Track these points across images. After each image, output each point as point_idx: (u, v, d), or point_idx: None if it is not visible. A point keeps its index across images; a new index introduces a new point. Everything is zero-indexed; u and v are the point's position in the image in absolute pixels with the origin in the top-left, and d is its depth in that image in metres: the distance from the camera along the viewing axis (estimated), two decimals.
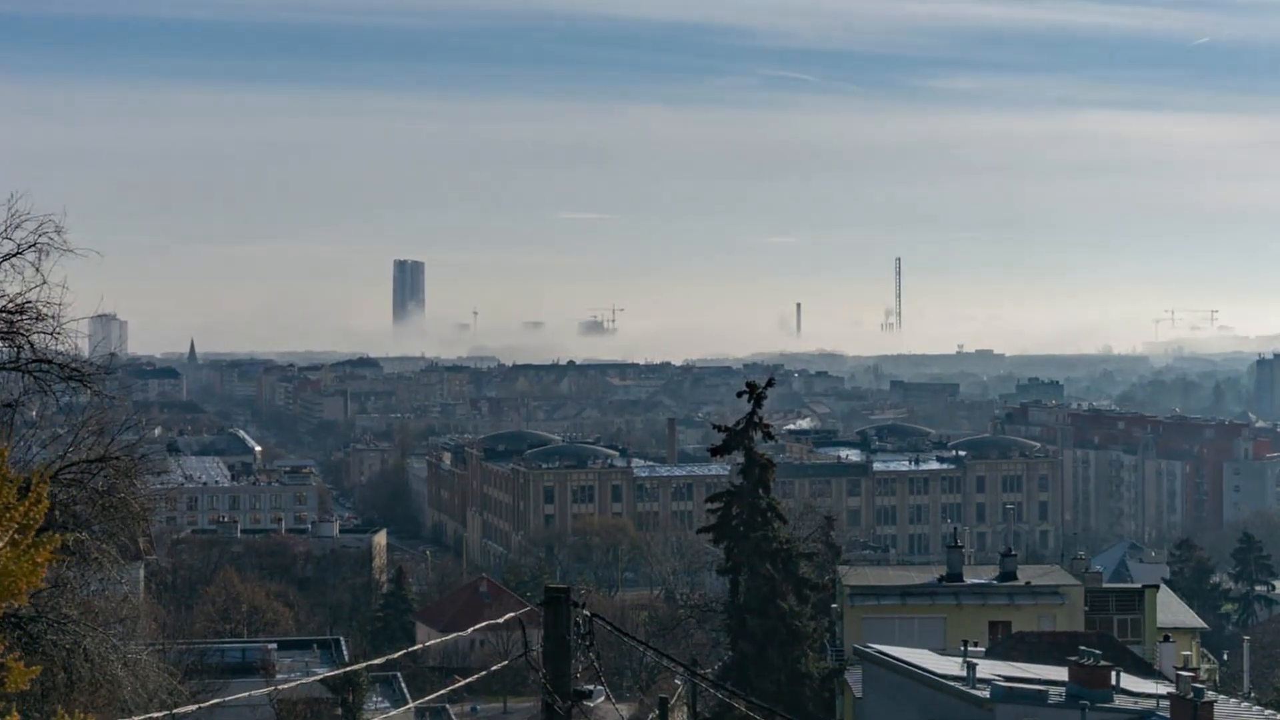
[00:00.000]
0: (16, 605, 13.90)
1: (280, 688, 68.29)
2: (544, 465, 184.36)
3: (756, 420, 62.71)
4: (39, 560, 12.62)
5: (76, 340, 32.15)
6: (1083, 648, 43.61)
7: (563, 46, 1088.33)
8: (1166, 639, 57.19)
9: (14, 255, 30.59)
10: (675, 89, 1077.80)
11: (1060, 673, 42.51)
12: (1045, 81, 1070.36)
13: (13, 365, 31.24)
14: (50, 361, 31.39)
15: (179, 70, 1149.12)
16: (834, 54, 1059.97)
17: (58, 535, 13.77)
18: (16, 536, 12.51)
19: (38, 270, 30.46)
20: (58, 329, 30.93)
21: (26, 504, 12.62)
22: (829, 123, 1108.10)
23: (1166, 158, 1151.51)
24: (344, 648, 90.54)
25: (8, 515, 12.43)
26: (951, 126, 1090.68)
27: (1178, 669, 44.87)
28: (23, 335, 30.85)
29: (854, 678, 54.08)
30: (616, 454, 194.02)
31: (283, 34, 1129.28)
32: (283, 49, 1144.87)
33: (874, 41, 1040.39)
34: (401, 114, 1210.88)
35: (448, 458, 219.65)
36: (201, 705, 32.07)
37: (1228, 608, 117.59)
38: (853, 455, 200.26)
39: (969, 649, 47.46)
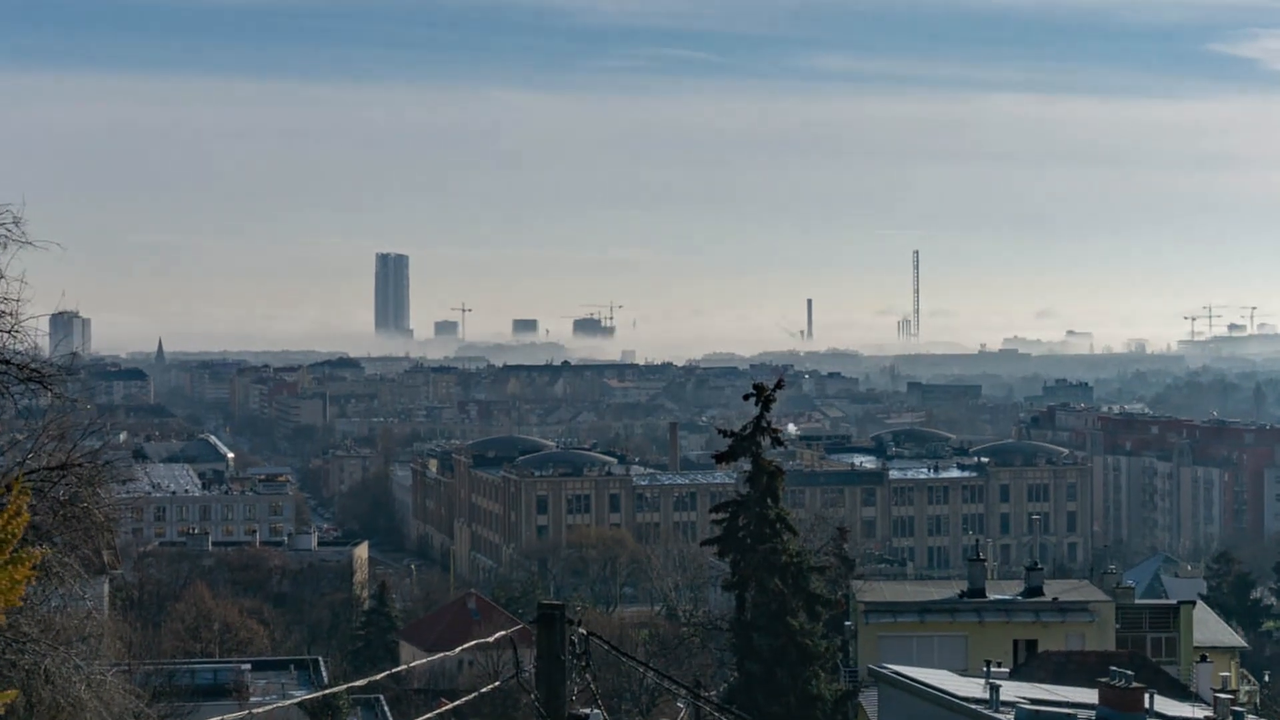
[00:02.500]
0: None
1: (254, 711, 68.06)
2: (537, 473, 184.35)
3: (764, 424, 62.72)
4: (18, 577, 12.56)
5: (36, 339, 32.10)
6: (1114, 668, 43.57)
7: (530, 37, 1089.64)
8: (1203, 659, 57.20)
9: None
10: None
11: (1090, 695, 42.48)
12: (1045, 65, 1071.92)
13: None
14: (8, 362, 31.35)
15: (146, 55, 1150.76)
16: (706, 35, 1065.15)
17: (36, 550, 13.73)
18: None
19: None
20: (15, 327, 30.91)
21: (4, 516, 12.55)
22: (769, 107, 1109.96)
23: (1198, 146, 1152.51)
24: (323, 668, 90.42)
25: None
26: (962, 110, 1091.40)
27: (1215, 691, 44.88)
28: None
29: (869, 700, 54.06)
30: (614, 461, 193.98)
31: (255, 18, 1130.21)
32: (256, 33, 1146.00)
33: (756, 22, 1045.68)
34: (385, 101, 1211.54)
35: (434, 465, 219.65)
36: None
37: (1269, 625, 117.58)
38: (867, 462, 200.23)
39: (992, 670, 47.41)
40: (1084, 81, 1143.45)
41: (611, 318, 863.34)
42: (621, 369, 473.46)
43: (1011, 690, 43.81)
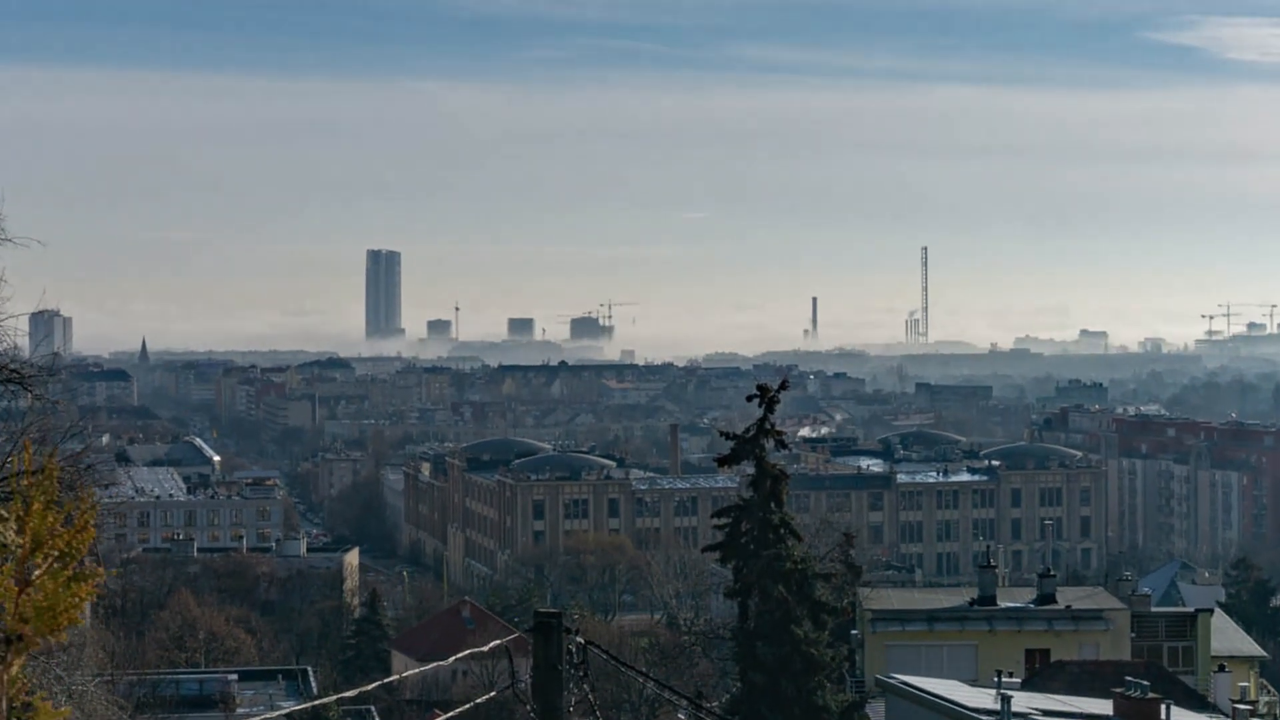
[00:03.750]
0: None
1: None
2: (533, 477, 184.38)
3: (768, 427, 62.72)
4: (82, 595, 12.44)
5: (15, 339, 32.09)
6: (1129, 678, 43.60)
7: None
8: (1222, 669, 57.17)
9: None
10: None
11: (1104, 706, 42.50)
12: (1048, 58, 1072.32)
13: None
14: None
15: (134, 51, 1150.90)
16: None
17: (100, 569, 13.60)
18: (56, 566, 12.34)
19: None
20: None
21: (72, 530, 12.43)
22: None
23: (1225, 138, 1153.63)
24: (312, 679, 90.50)
25: (51, 541, 12.27)
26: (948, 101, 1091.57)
27: (1234, 702, 44.93)
28: None
29: (876, 712, 54.08)
30: (613, 464, 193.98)
31: (239, 11, 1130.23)
32: (242, 27, 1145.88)
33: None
34: (374, 94, 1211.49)
35: (426, 468, 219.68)
36: None
37: None
38: (875, 465, 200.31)
39: (1003, 680, 47.42)
40: (1090, 76, 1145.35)
41: (610, 316, 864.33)
42: (620, 369, 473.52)
43: (1023, 701, 43.81)
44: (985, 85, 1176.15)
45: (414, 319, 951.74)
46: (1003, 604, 64.23)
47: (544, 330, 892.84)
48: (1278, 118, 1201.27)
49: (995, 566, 69.70)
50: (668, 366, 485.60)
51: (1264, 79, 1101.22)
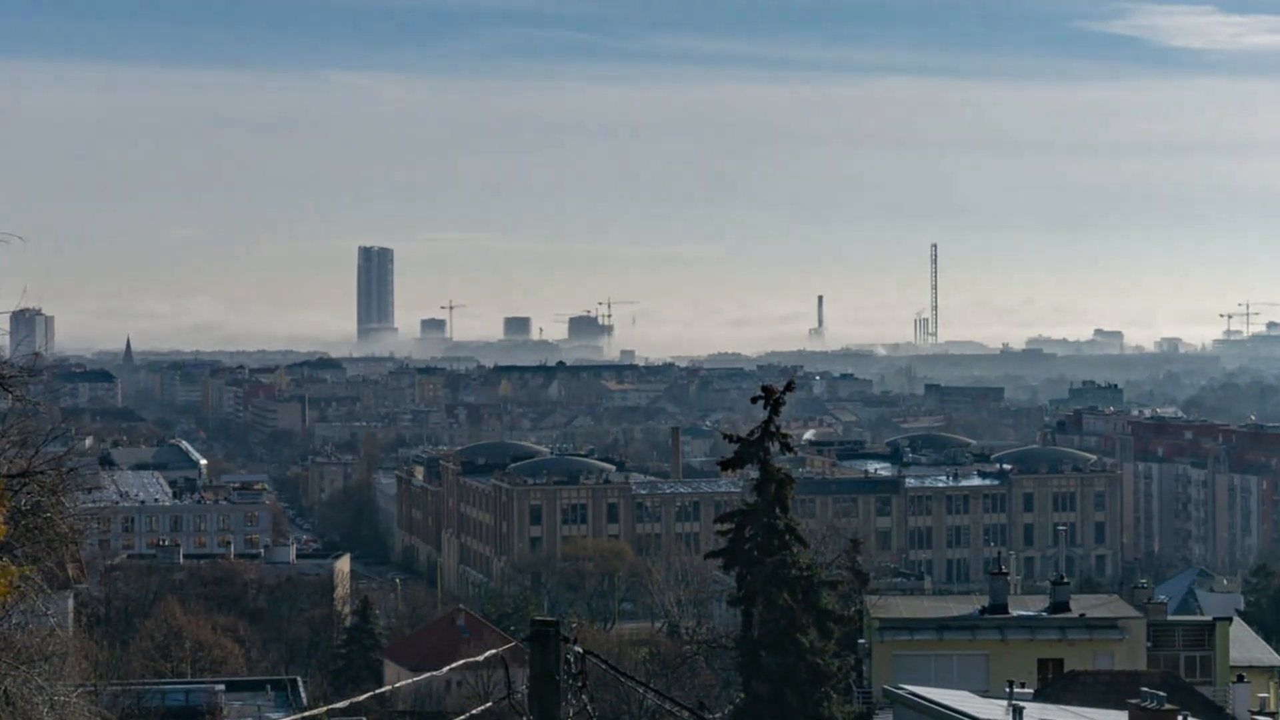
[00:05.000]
0: None
1: None
2: (530, 481, 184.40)
3: (773, 429, 62.76)
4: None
5: None
6: (1145, 689, 43.61)
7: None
8: (1240, 679, 57.17)
9: None
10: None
11: (1119, 718, 42.53)
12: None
13: None
14: None
15: (107, 43, 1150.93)
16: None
17: (13, 566, 13.62)
18: None
19: None
20: None
21: None
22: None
23: (1245, 133, 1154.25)
24: (301, 689, 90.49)
25: None
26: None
27: (1253, 713, 44.92)
28: None
29: None
30: (613, 468, 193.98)
31: (225, 4, 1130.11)
32: (229, 21, 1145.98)
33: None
34: (364, 87, 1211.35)
35: (420, 472, 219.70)
36: None
37: None
38: (882, 469, 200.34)
39: (1015, 691, 47.46)
40: (1096, 70, 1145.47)
41: (609, 316, 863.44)
42: (620, 370, 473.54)
43: (1035, 713, 43.83)
44: (987, 80, 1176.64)
45: (407, 318, 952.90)
46: (1014, 612, 64.28)
47: (541, 330, 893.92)
48: None
49: (1007, 573, 69.76)
50: (669, 367, 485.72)
51: (1266, 71, 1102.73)
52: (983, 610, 64.55)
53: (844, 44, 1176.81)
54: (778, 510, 62.10)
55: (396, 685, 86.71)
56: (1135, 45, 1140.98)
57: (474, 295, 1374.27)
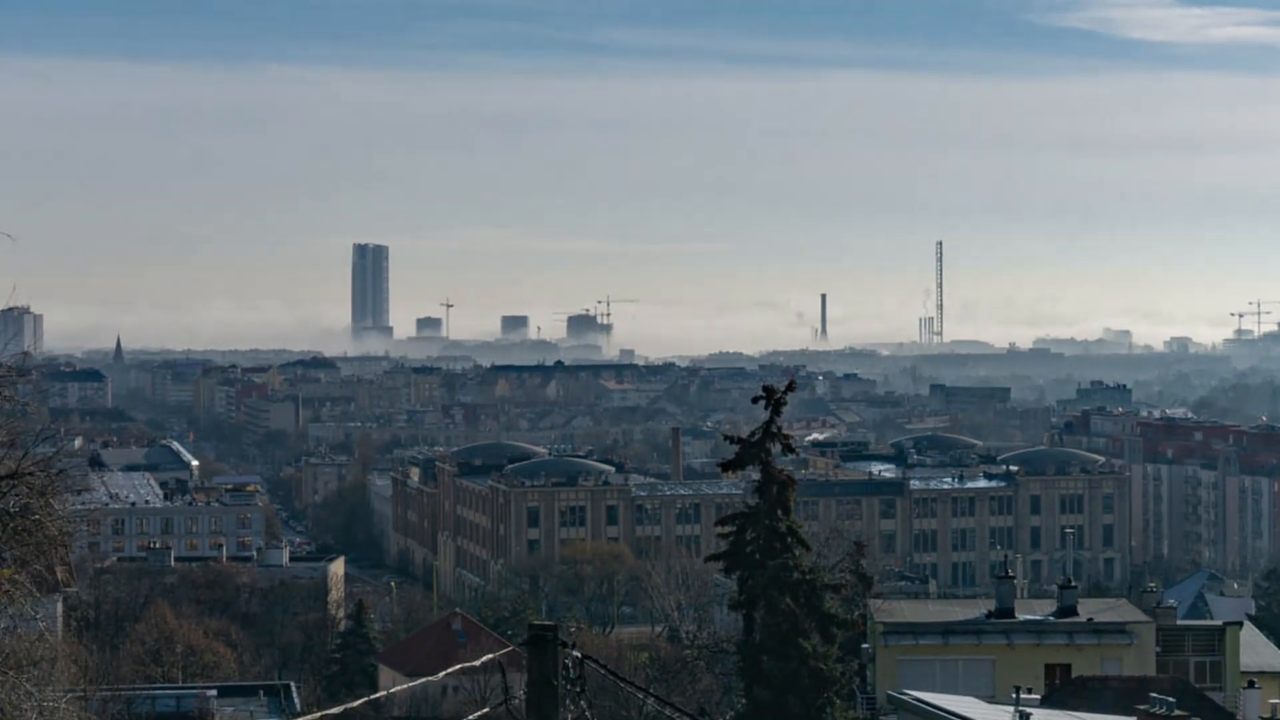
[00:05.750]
0: None
1: None
2: (527, 482, 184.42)
3: (775, 430, 62.78)
4: None
5: None
6: (1154, 695, 43.64)
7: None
8: (1251, 684, 57.17)
9: None
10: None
11: None
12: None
13: None
14: None
15: (94, 38, 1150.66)
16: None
17: (0, 569, 13.66)
18: None
19: None
20: None
21: None
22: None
23: (1255, 128, 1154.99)
24: (295, 695, 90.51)
25: None
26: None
27: (1264, 719, 44.93)
28: None
29: None
30: (612, 469, 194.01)
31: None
32: (215, 16, 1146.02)
33: None
34: (367, 82, 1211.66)
35: (415, 474, 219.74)
36: None
37: None
38: (886, 471, 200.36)
39: (1022, 696, 47.45)
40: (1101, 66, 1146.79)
41: (609, 314, 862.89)
42: (619, 370, 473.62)
43: (1042, 719, 43.84)
44: (993, 76, 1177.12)
45: (402, 316, 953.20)
46: (1021, 616, 64.28)
47: (539, 328, 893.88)
48: None
49: (1013, 577, 69.77)
50: (669, 367, 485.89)
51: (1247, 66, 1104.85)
52: (989, 614, 64.55)
53: (845, 41, 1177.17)
54: (780, 513, 62.12)
55: (391, 691, 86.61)
56: (1092, 38, 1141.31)
57: (471, 293, 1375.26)
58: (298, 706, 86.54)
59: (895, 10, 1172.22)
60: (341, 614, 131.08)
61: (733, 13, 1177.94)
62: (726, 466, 66.60)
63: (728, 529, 64.22)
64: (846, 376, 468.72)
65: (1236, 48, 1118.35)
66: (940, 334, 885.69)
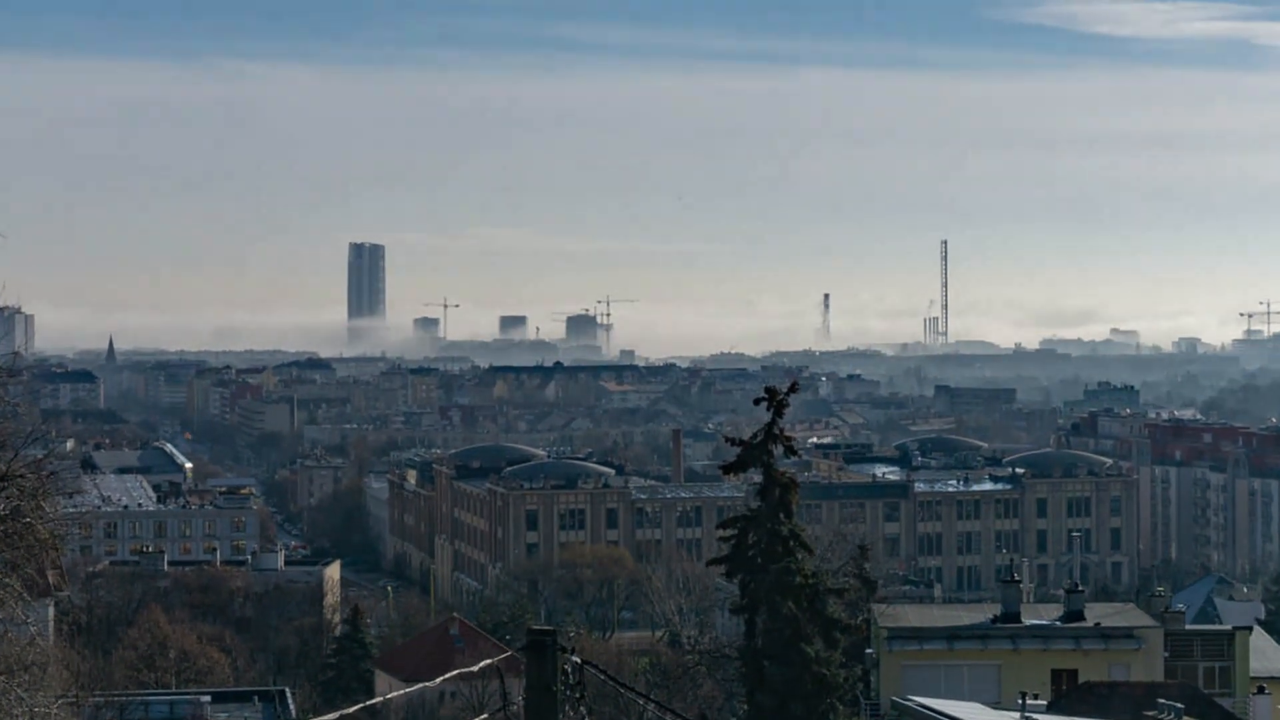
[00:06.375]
0: None
1: None
2: (526, 485, 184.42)
3: (777, 432, 62.78)
4: None
5: None
6: (1162, 701, 43.67)
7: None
8: (1261, 690, 57.20)
9: None
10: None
11: None
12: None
13: None
14: None
15: (88, 36, 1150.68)
16: None
17: None
18: None
19: None
20: None
21: None
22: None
23: (1263, 123, 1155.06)
24: (290, 700, 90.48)
25: None
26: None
27: None
28: None
29: None
30: (612, 472, 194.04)
31: None
32: (203, 11, 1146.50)
33: None
34: (357, 80, 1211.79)
35: (412, 476, 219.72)
36: None
37: None
38: (891, 473, 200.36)
39: (1028, 702, 47.50)
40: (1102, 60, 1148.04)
41: (609, 314, 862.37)
42: (620, 370, 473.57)
43: None
44: (996, 72, 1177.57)
45: (399, 316, 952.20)
46: (1027, 621, 64.27)
47: (538, 329, 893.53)
48: None
49: (1019, 581, 69.75)
50: (670, 367, 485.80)
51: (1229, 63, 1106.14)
52: (994, 619, 64.55)
53: (847, 39, 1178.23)
54: (782, 515, 62.12)
55: (388, 697, 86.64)
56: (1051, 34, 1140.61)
57: (468, 293, 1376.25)
58: (293, 713, 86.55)
59: (872, 7, 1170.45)
60: (337, 619, 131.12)
61: (733, 12, 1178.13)
62: (728, 469, 66.61)
63: (729, 532, 64.22)
64: (850, 377, 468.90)
65: (1206, 43, 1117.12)
66: (945, 334, 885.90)
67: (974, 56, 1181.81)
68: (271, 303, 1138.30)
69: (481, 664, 22.69)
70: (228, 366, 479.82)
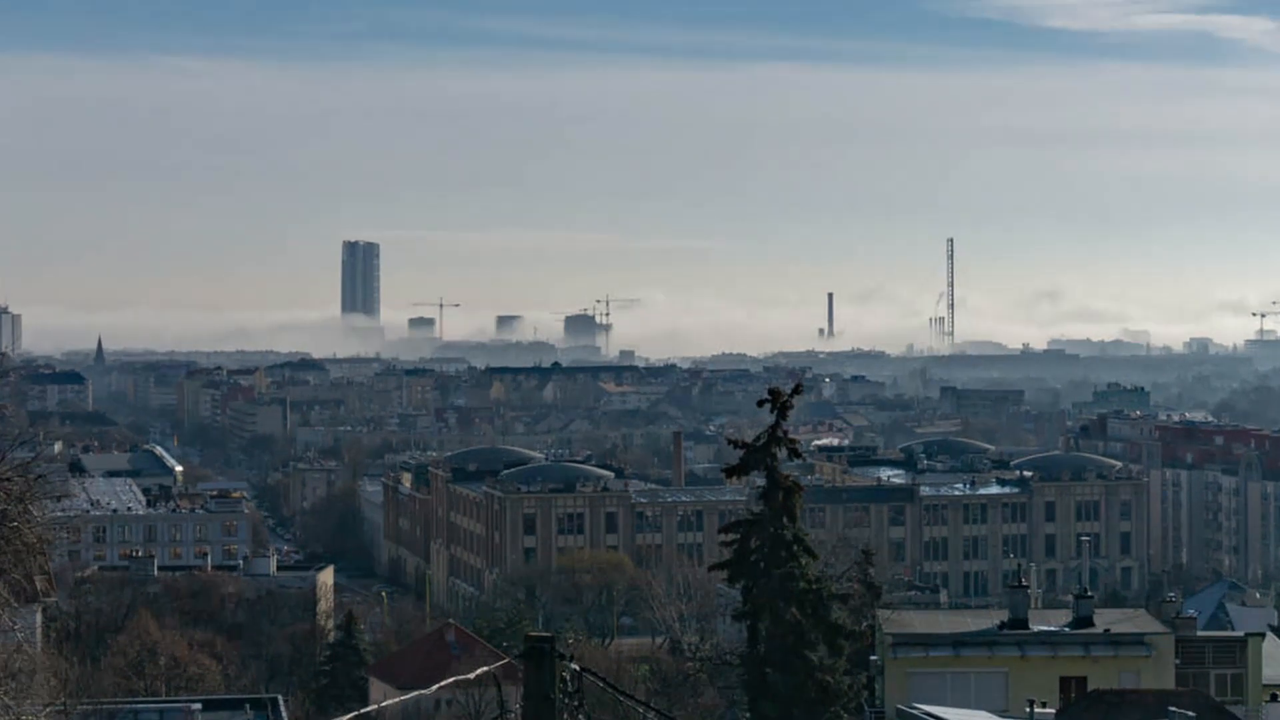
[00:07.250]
0: None
1: None
2: (524, 489, 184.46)
3: (780, 434, 62.78)
4: None
5: None
6: (1173, 709, 43.67)
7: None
8: (1274, 698, 57.22)
9: None
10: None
11: None
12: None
13: None
14: None
15: (79, 33, 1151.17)
16: None
17: None
18: None
19: None
20: None
21: None
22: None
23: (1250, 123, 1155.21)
24: (282, 708, 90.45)
25: None
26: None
27: None
28: None
29: None
30: (611, 475, 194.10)
31: None
32: (191, 6, 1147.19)
33: None
34: (352, 77, 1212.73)
35: (407, 479, 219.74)
36: None
37: None
38: (896, 476, 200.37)
39: (1036, 710, 47.52)
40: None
41: (608, 314, 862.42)
42: (619, 371, 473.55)
43: None
44: (997, 70, 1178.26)
45: (394, 316, 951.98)
46: (1035, 628, 64.25)
47: (536, 329, 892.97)
48: None
49: (1027, 587, 69.75)
50: (670, 368, 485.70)
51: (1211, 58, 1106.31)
52: (1001, 625, 64.53)
53: (854, 37, 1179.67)
54: (785, 520, 62.14)
55: (383, 704, 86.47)
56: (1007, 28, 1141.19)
57: (465, 292, 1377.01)
58: None
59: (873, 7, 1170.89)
60: (331, 625, 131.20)
61: (734, 12, 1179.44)
62: (730, 472, 66.56)
63: (731, 537, 64.23)
64: (854, 378, 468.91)
65: (1166, 36, 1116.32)
66: (951, 334, 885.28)
67: (975, 56, 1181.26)
68: (264, 302, 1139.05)
69: (478, 671, 22.69)
70: (218, 368, 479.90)
